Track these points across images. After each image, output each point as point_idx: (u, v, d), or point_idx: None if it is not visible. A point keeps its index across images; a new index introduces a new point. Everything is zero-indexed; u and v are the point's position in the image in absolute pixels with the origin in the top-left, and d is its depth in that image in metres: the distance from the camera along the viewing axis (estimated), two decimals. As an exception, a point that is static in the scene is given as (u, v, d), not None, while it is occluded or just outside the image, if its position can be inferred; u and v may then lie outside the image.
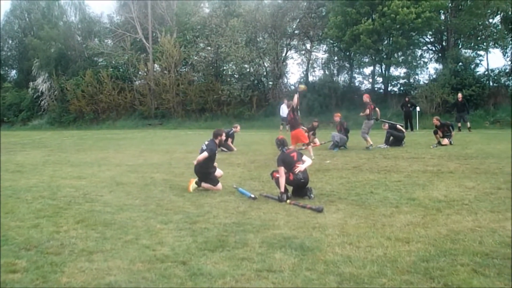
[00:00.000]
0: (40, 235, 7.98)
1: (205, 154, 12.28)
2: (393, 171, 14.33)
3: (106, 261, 6.60)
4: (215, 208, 9.85)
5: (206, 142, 12.72)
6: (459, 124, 30.56)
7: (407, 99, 34.04)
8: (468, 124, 30.92)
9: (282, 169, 10.82)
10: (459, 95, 32.25)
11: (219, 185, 12.23)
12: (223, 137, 13.82)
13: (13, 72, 72.87)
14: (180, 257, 6.69)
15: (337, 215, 8.92)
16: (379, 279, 5.76)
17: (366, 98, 21.70)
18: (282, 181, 10.64)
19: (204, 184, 12.17)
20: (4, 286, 5.82)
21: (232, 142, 21.97)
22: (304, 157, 11.30)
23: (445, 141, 21.42)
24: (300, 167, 10.87)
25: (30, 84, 60.19)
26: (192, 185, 12.12)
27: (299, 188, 10.97)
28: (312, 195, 10.78)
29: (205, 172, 12.22)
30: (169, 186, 12.62)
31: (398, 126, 22.16)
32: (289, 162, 10.98)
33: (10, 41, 70.39)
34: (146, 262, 6.51)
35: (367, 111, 20.97)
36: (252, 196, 10.67)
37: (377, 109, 22.14)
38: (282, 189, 10.60)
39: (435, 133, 22.10)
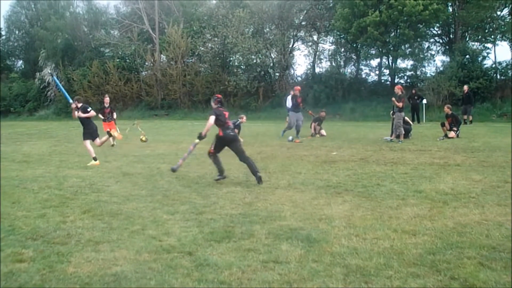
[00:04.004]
0: (47, 225, 8.00)
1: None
2: (399, 163, 14.29)
3: (112, 251, 6.61)
4: (221, 199, 9.86)
5: None
6: (465, 117, 30.50)
7: (413, 91, 33.86)
8: (470, 118, 30.85)
9: (212, 117, 11.94)
10: (465, 87, 32.16)
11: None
12: None
13: (20, 62, 73.04)
14: (187, 248, 6.69)
15: (343, 207, 8.91)
16: (386, 271, 5.74)
17: (398, 89, 21.35)
18: (209, 124, 11.98)
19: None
20: (11, 275, 5.83)
21: (238, 133, 21.90)
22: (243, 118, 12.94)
23: (452, 133, 21.35)
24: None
25: (37, 74, 60.26)
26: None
27: (227, 143, 12.26)
28: (258, 174, 11.70)
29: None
30: (176, 177, 12.61)
31: (405, 118, 22.06)
32: (222, 118, 12.14)
33: (17, 32, 70.57)
34: (153, 253, 6.52)
35: (401, 104, 20.65)
36: None
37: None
38: (204, 132, 11.96)
39: (442, 125, 22.02)
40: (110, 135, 16.78)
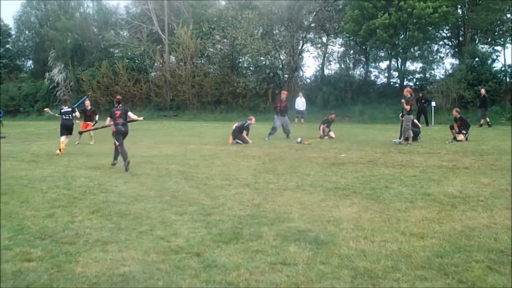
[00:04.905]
0: (55, 224, 8.03)
1: None
2: (408, 166, 14.27)
3: (120, 251, 6.64)
4: (229, 200, 9.85)
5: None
6: (482, 121, 30.49)
7: (421, 94, 33.71)
8: (481, 121, 30.77)
9: (108, 119, 15.98)
10: (482, 90, 32.12)
11: None
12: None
13: (29, 62, 73.35)
14: (195, 249, 6.70)
15: (351, 209, 8.90)
16: (394, 274, 5.74)
17: (407, 92, 21.30)
18: (107, 123, 16.17)
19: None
20: (20, 274, 5.86)
21: (247, 135, 21.94)
22: (130, 114, 15.85)
23: (461, 136, 21.31)
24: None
25: (46, 74, 60.48)
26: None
27: (121, 134, 15.22)
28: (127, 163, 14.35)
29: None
30: (184, 178, 12.64)
31: (414, 121, 22.00)
32: (113, 116, 15.42)
33: (27, 32, 70.88)
34: (161, 253, 6.54)
35: (408, 107, 20.59)
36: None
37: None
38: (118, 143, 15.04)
39: (451, 128, 22.00)
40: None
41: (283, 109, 23.84)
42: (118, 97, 17.01)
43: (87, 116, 24.47)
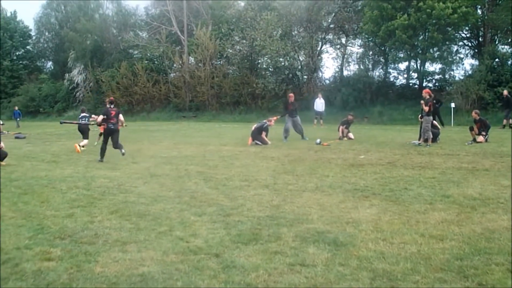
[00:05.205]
0: (75, 224, 8.08)
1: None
2: (427, 168, 14.18)
3: (139, 251, 6.66)
4: (249, 201, 9.85)
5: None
6: (504, 121, 30.30)
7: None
8: (504, 122, 30.53)
9: (101, 116, 17.15)
10: (505, 91, 31.82)
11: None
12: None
13: (49, 63, 73.97)
14: (214, 250, 6.71)
15: (370, 211, 8.87)
16: (413, 276, 5.71)
17: (426, 93, 21.19)
18: (99, 120, 17.40)
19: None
20: (39, 273, 5.90)
21: (266, 136, 21.92)
22: (121, 116, 17.40)
23: (481, 138, 21.15)
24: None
25: (66, 75, 60.91)
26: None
27: (110, 133, 16.95)
28: (123, 150, 16.97)
29: None
30: (203, 178, 12.66)
31: (434, 122, 21.86)
32: (108, 115, 16.79)
33: (47, 33, 71.51)
34: (180, 254, 6.55)
35: (427, 108, 20.47)
36: None
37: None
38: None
39: (471, 129, 21.85)
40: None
41: (292, 109, 23.87)
42: (111, 98, 19.08)
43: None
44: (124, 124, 17.79)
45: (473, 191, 10.59)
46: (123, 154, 16.85)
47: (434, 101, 31.85)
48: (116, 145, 17.03)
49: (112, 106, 17.21)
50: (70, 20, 66.55)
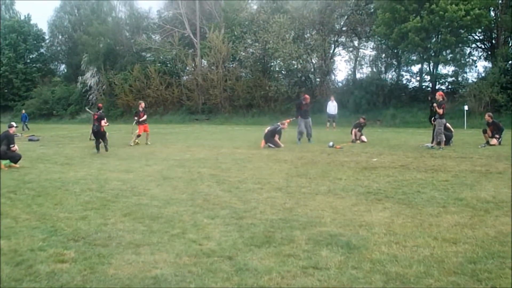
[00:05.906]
0: (88, 226, 8.11)
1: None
2: (440, 171, 14.12)
3: (152, 254, 6.66)
4: (262, 204, 9.82)
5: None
6: None
7: (429, 97, 33.24)
8: None
9: (105, 120, 21.16)
10: None
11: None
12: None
13: (63, 66, 74.48)
14: (227, 252, 6.69)
15: (383, 214, 8.84)
16: (426, 279, 5.68)
17: (439, 96, 21.07)
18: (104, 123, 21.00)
19: None
20: (53, 275, 5.92)
21: (279, 139, 21.91)
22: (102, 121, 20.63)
23: (494, 141, 21.04)
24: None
25: (79, 78, 61.22)
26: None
27: (100, 136, 20.82)
28: (107, 146, 20.88)
29: None
30: (216, 181, 12.65)
31: (447, 125, 21.75)
32: (102, 118, 20.88)
33: (60, 36, 72.09)
34: (193, 256, 6.54)
35: (441, 110, 20.37)
36: None
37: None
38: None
39: (484, 132, 21.75)
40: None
41: (305, 110, 23.84)
42: (99, 104, 25.03)
43: (141, 118, 25.17)
44: (106, 124, 21.30)
45: (487, 194, 10.52)
46: (106, 150, 20.78)
47: (429, 99, 31.86)
48: (103, 142, 21.14)
49: (99, 112, 21.88)
50: (83, 23, 67.12)
